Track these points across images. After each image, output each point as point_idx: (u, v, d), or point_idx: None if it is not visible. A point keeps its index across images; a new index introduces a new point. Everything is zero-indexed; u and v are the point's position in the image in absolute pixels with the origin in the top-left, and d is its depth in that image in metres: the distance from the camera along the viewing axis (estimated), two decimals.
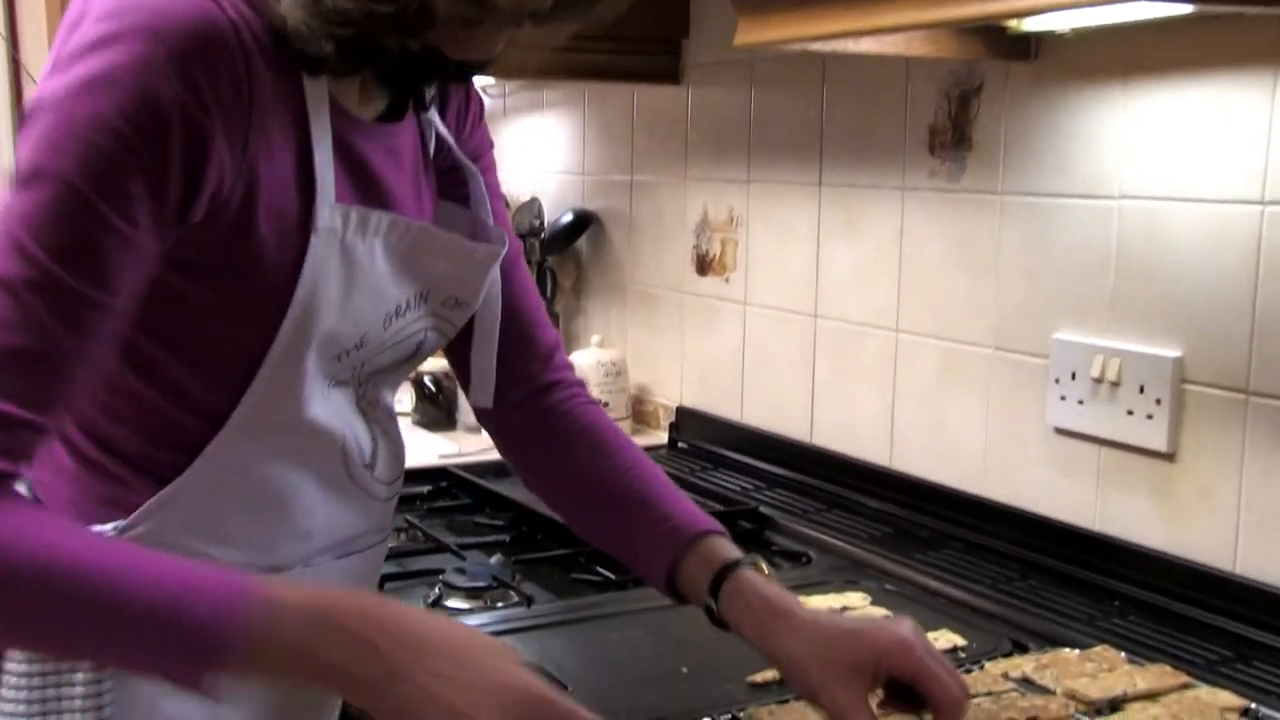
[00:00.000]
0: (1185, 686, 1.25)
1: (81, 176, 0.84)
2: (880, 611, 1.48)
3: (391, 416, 1.16)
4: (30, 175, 0.85)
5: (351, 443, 1.07)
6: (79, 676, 0.98)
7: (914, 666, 1.01)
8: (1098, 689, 1.22)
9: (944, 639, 1.39)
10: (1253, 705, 1.22)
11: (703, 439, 2.29)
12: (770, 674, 1.28)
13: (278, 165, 0.95)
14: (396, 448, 1.15)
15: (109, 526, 0.97)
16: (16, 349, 0.83)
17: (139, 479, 0.99)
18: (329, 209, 0.98)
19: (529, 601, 1.54)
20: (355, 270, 1.01)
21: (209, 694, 0.82)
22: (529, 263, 2.69)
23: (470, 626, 0.93)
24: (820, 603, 1.50)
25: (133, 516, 0.98)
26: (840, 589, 1.57)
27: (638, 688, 1.29)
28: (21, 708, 0.99)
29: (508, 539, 1.78)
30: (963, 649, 1.38)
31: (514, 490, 1.84)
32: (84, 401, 0.99)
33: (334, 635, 0.83)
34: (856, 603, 1.51)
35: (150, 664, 0.83)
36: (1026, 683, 1.26)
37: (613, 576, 1.63)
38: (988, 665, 1.31)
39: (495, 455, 1.30)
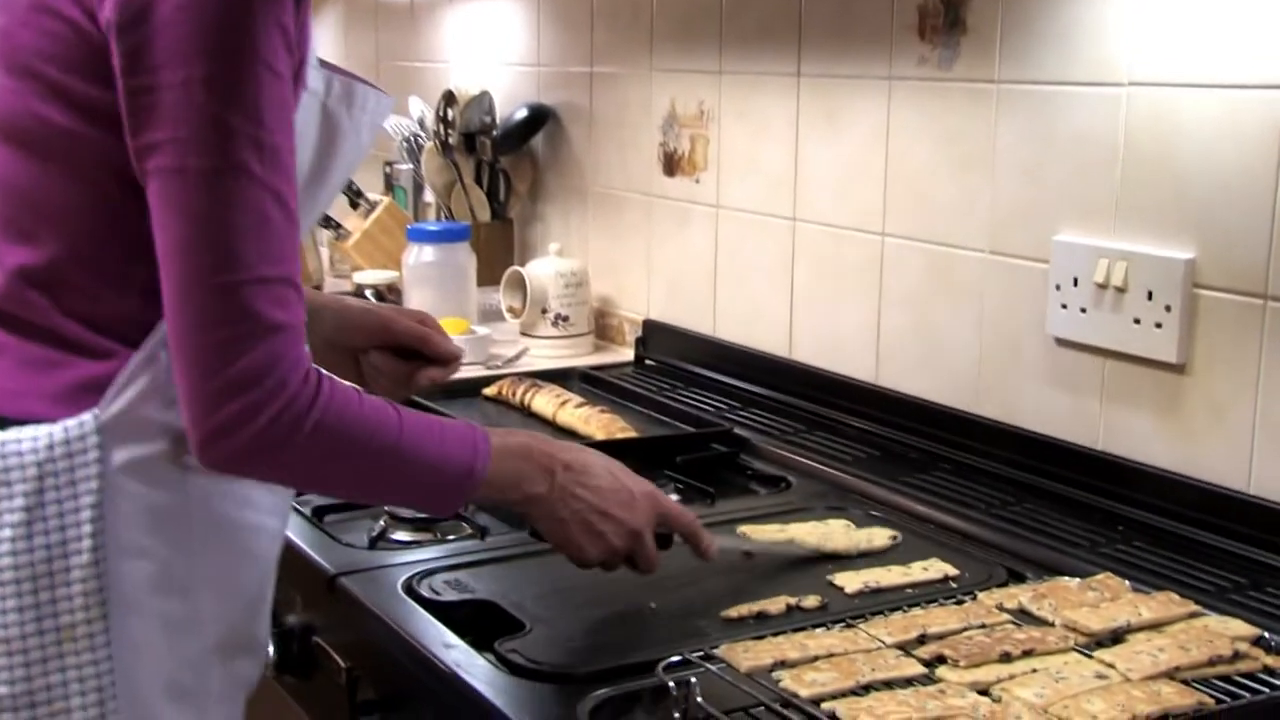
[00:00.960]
0: (1194, 615, 1.26)
1: (253, 51, 1.00)
2: (864, 535, 1.47)
3: None
4: (213, 61, 0.99)
5: None
6: (79, 616, 1.07)
7: (412, 332, 1.40)
8: (1099, 620, 1.22)
9: (934, 568, 1.39)
10: (1266, 634, 1.22)
11: (672, 355, 2.28)
12: (745, 608, 1.28)
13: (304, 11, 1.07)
14: None
15: (88, 416, 1.09)
16: (273, 220, 1.02)
17: (122, 348, 1.10)
18: (314, 70, 1.08)
19: (483, 533, 1.54)
20: (338, 142, 1.11)
21: (452, 513, 1.36)
22: (480, 163, 2.68)
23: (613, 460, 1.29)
24: (801, 531, 1.49)
25: (109, 392, 1.09)
26: (823, 516, 1.56)
27: (602, 625, 1.28)
28: (15, 640, 1.06)
29: None
30: (954, 579, 1.38)
31: (468, 413, 1.82)
32: (74, 293, 1.11)
33: (529, 468, 1.22)
34: (840, 530, 1.51)
35: (418, 499, 1.25)
36: (1023, 614, 1.26)
37: None
38: (981, 596, 1.31)
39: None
